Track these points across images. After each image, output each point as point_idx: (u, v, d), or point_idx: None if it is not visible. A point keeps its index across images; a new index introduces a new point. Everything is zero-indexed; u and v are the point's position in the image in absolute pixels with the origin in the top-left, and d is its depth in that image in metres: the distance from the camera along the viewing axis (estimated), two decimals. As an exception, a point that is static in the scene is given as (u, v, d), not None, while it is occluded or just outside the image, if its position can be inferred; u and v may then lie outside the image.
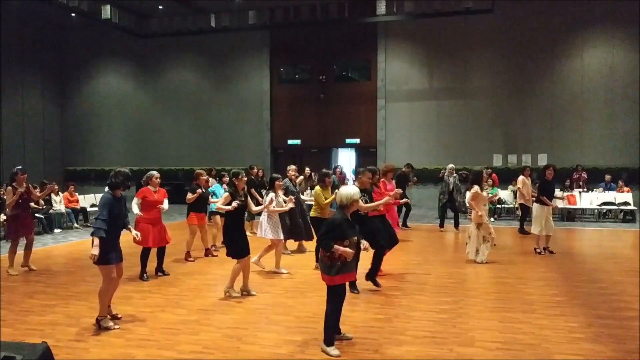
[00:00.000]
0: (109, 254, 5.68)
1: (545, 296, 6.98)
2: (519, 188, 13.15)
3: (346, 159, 22.93)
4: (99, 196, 17.35)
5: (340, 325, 5.72)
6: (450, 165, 14.39)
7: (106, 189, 5.88)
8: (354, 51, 21.85)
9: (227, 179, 10.38)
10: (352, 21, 19.64)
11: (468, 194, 9.56)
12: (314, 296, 6.99)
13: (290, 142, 22.40)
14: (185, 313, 6.31)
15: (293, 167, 10.46)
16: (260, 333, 5.57)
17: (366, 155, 21.50)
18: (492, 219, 15.91)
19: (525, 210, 12.99)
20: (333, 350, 4.93)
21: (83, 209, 15.49)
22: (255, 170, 14.62)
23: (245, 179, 7.44)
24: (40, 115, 23.93)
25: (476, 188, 9.32)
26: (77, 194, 15.81)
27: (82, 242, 12.35)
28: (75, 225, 14.83)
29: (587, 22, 19.13)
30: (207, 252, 10.12)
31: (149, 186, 8.10)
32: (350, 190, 5.15)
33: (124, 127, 24.48)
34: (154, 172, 8.26)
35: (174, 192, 15.24)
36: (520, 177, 13.34)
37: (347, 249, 4.89)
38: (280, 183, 8.78)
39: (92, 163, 24.61)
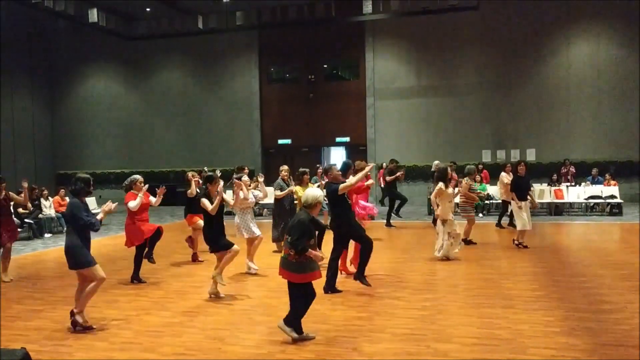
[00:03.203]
0: (89, 256, 5.86)
1: (526, 291, 7.10)
2: (503, 184, 13.32)
3: (337, 158, 22.99)
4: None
5: (321, 324, 5.85)
6: (436, 162, 14.52)
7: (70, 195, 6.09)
8: (342, 50, 21.96)
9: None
10: (339, 20, 19.73)
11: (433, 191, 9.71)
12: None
13: (280, 141, 22.50)
14: (170, 315, 6.40)
15: (285, 167, 10.52)
16: (242, 334, 5.67)
17: (356, 153, 21.52)
18: (480, 215, 16.09)
19: (506, 206, 13.25)
20: (292, 332, 5.26)
21: (73, 213, 15.49)
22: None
23: (221, 183, 7.50)
24: (30, 119, 23.90)
25: (440, 185, 9.38)
26: (67, 198, 15.82)
27: (72, 246, 12.39)
28: (66, 229, 14.84)
29: (572, 18, 19.29)
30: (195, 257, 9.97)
31: (132, 190, 8.14)
32: (316, 192, 5.48)
33: (114, 129, 24.49)
34: (137, 177, 8.29)
35: (165, 194, 15.27)
36: (502, 174, 13.52)
37: (318, 254, 5.25)
38: (239, 182, 8.42)
39: (84, 166, 24.55)
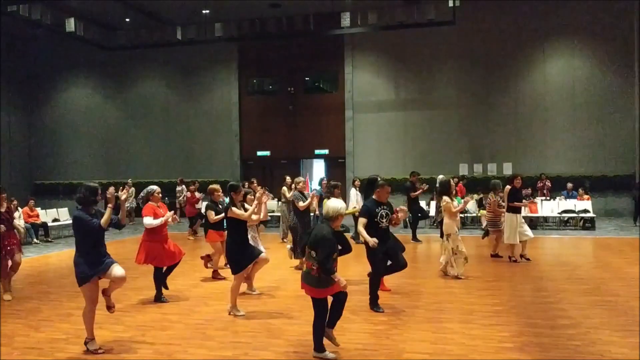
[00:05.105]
0: (89, 271, 5.45)
1: (486, 305, 7.07)
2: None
3: (317, 170, 22.96)
4: (62, 211, 17.19)
5: (275, 339, 5.78)
6: (441, 176, 14.24)
7: (77, 206, 5.52)
8: (321, 63, 22.03)
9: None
10: (317, 34, 19.79)
11: (437, 204, 9.49)
12: (257, 311, 6.99)
13: (259, 153, 22.43)
14: (122, 330, 6.27)
15: (301, 178, 10.31)
16: (192, 349, 5.56)
17: (335, 166, 21.61)
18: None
19: None
20: (329, 355, 5.13)
21: (44, 224, 15.26)
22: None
23: (243, 191, 7.31)
24: (7, 128, 23.62)
25: (446, 199, 9.11)
26: (37, 208, 15.61)
27: (39, 259, 12.22)
28: (35, 240, 14.62)
29: (548, 34, 19.54)
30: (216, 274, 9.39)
31: (150, 202, 7.57)
32: (337, 203, 5.32)
33: (92, 139, 24.27)
34: (154, 187, 7.71)
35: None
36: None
37: (342, 279, 5.08)
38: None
39: (61, 177, 24.31)
